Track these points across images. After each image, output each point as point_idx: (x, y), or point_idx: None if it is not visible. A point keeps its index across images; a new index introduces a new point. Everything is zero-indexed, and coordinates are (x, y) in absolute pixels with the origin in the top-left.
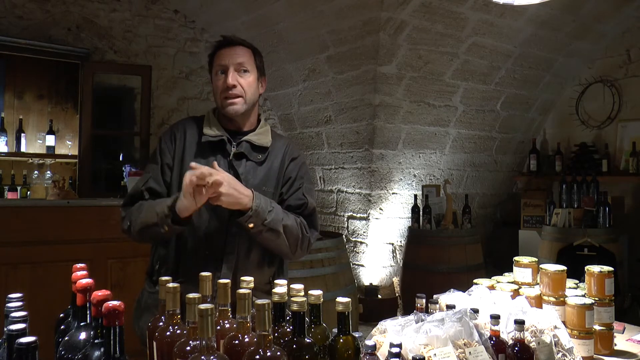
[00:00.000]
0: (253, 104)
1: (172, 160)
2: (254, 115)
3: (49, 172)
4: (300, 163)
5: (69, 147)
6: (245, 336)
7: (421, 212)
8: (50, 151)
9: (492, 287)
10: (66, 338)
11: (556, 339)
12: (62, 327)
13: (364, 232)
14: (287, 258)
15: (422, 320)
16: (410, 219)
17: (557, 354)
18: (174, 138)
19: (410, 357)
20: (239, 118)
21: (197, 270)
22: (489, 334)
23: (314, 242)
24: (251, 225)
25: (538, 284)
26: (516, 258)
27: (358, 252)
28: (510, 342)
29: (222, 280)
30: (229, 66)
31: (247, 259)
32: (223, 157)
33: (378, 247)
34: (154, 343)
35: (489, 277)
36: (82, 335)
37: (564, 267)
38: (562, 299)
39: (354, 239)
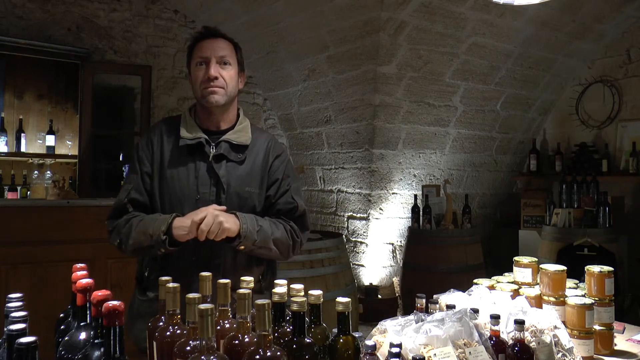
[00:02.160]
0: (233, 99)
1: (151, 168)
2: (233, 111)
3: (49, 172)
4: (286, 161)
5: (69, 147)
6: (245, 336)
7: (421, 212)
8: (50, 151)
9: (492, 287)
10: (66, 338)
11: (556, 339)
12: (62, 327)
13: (364, 232)
14: (280, 261)
15: (422, 320)
16: (410, 219)
17: (557, 354)
18: (151, 144)
19: (410, 357)
20: (218, 112)
21: (185, 275)
22: (489, 334)
23: (305, 241)
24: (242, 247)
25: (538, 284)
26: (516, 258)
27: (358, 252)
28: (510, 342)
29: (222, 280)
30: (210, 58)
31: (234, 261)
32: (202, 160)
33: (378, 247)
34: (154, 343)
35: (489, 277)
36: (82, 335)
37: (564, 267)
38: (562, 299)
39: (354, 239)
